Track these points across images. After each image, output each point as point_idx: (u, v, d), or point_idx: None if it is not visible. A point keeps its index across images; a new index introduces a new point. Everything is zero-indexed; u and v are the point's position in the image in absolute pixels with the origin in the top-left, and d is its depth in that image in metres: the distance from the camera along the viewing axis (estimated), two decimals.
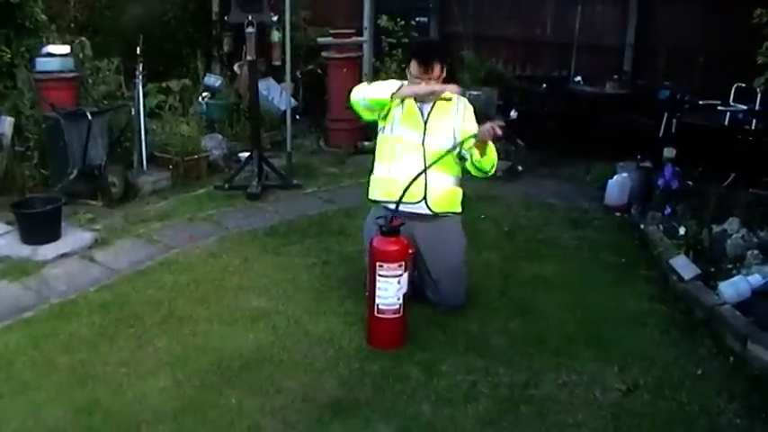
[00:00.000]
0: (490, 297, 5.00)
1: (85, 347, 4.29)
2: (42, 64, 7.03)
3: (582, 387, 3.98)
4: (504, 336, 4.50)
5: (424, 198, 4.57)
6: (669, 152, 6.48)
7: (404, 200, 4.38)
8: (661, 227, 5.78)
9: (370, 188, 4.83)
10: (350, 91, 4.78)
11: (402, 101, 4.60)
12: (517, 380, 4.04)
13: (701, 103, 7.19)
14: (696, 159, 6.36)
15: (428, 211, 4.60)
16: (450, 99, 4.66)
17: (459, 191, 4.75)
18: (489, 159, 4.54)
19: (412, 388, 3.94)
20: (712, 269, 5.02)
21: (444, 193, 4.65)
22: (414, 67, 4.55)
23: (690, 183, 6.23)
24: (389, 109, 4.63)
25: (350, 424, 3.64)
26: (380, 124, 4.72)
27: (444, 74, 4.58)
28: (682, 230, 5.54)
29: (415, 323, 4.47)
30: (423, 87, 4.48)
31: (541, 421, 3.70)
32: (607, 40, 8.90)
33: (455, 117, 4.64)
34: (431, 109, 4.62)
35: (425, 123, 4.60)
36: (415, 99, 4.60)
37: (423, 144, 4.57)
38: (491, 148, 4.51)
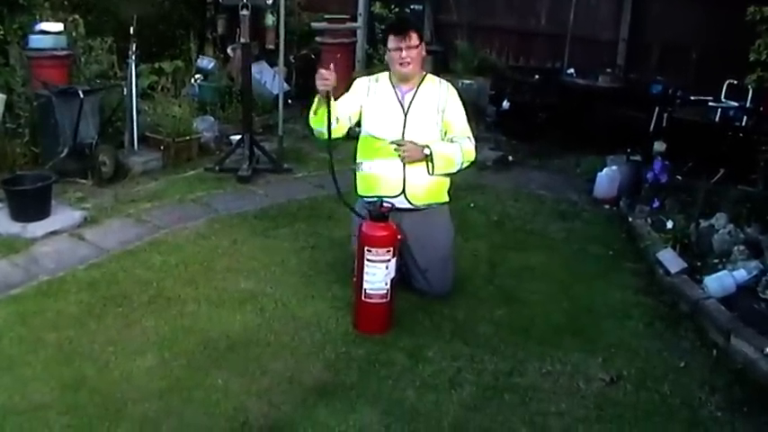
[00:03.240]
0: (477, 285, 5.03)
1: (73, 325, 4.30)
2: (35, 41, 6.99)
3: (566, 376, 4.02)
4: (489, 324, 4.53)
5: (403, 192, 4.56)
6: (659, 146, 6.52)
7: (384, 193, 4.46)
8: (649, 220, 5.82)
9: (357, 184, 4.81)
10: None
11: (378, 89, 4.63)
12: (502, 367, 4.07)
13: (692, 98, 7.24)
14: (686, 154, 6.39)
15: (408, 205, 4.59)
16: (432, 82, 4.69)
17: (445, 181, 4.71)
18: (443, 167, 4.55)
19: (397, 373, 3.97)
20: (698, 263, 5.06)
21: (424, 186, 4.60)
22: (390, 40, 4.54)
23: (679, 177, 6.26)
24: (360, 114, 4.68)
25: (335, 407, 3.67)
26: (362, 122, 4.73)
27: (422, 45, 4.58)
28: (669, 224, 5.58)
29: (401, 309, 4.49)
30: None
31: (525, 409, 3.74)
32: (601, 34, 8.93)
33: (438, 104, 4.61)
34: (413, 97, 4.59)
35: (406, 115, 4.57)
36: (394, 88, 4.62)
37: (402, 137, 4.54)
38: (438, 157, 4.51)
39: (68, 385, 3.74)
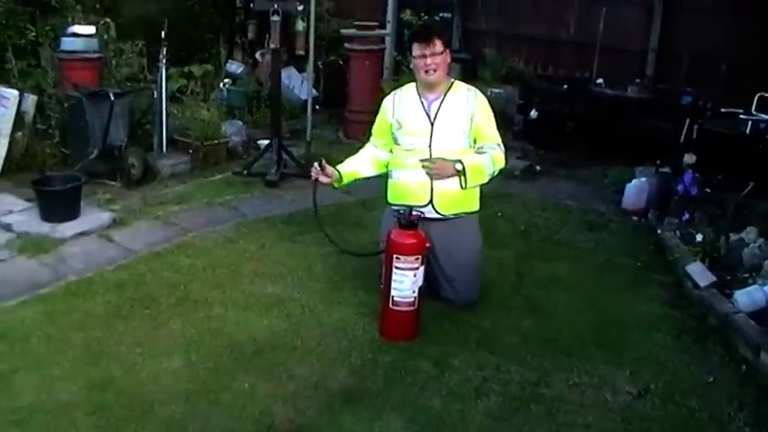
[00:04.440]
0: (503, 295, 5.01)
1: (100, 326, 4.33)
2: (67, 44, 7.06)
3: (592, 388, 3.99)
4: (516, 334, 4.51)
5: (431, 201, 4.55)
6: (689, 158, 6.46)
7: (412, 202, 4.45)
8: (678, 233, 5.77)
9: (387, 192, 4.82)
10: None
11: (403, 103, 4.63)
12: (528, 378, 4.05)
13: (723, 110, 7.15)
14: (716, 167, 6.33)
15: (436, 215, 4.57)
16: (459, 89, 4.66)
17: (474, 190, 4.66)
18: (475, 179, 4.54)
19: (423, 381, 3.96)
20: (728, 277, 5.01)
21: (452, 196, 4.57)
22: (415, 48, 4.53)
23: (708, 190, 6.20)
24: (390, 130, 4.68)
25: (360, 413, 3.66)
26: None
27: (447, 51, 4.55)
28: (699, 237, 5.52)
29: (427, 317, 4.48)
30: None
31: (551, 420, 3.71)
32: (630, 44, 8.90)
33: (466, 112, 4.56)
34: (439, 106, 4.55)
35: (432, 125, 4.53)
36: (420, 98, 4.60)
37: (429, 147, 4.52)
38: (470, 170, 4.49)
39: (95, 385, 3.76)
